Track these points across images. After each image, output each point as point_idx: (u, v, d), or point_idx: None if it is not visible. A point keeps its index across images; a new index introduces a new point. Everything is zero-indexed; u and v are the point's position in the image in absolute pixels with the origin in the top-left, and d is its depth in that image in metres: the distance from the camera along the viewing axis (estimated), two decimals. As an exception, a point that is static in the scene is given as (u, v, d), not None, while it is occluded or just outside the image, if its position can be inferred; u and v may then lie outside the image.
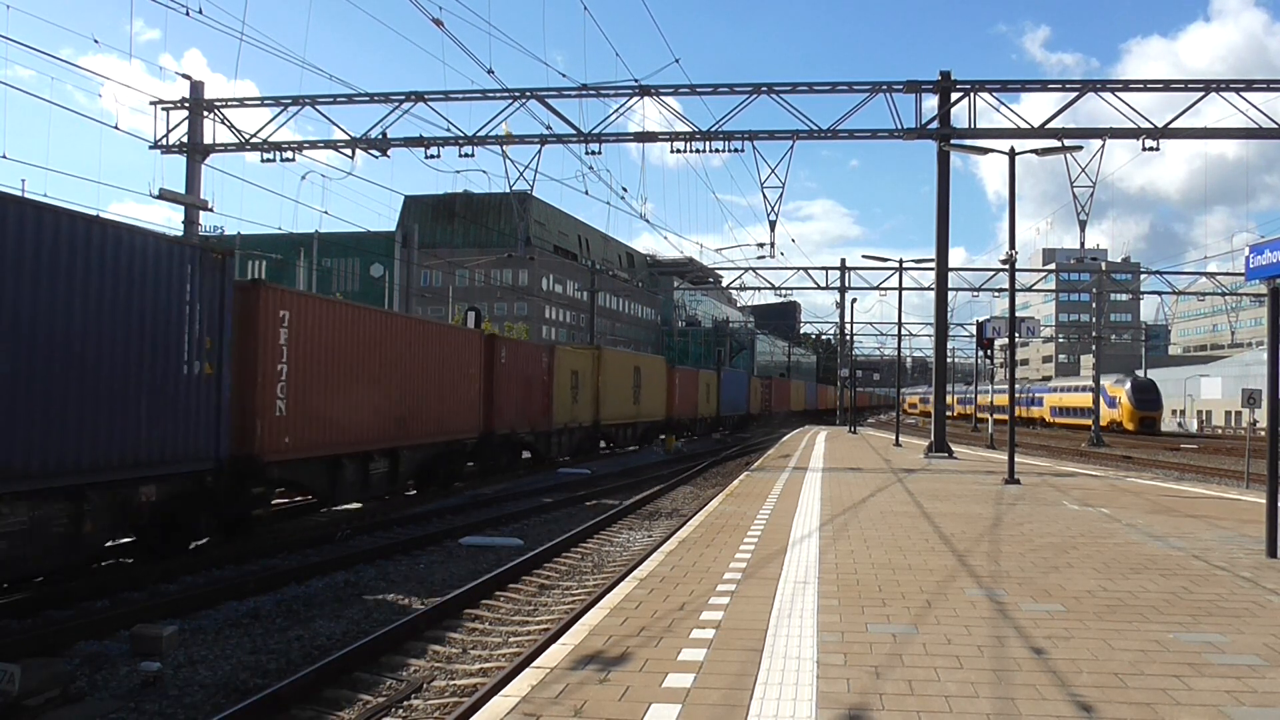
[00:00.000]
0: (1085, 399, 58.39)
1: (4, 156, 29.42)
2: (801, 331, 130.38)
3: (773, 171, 25.34)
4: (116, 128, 26.33)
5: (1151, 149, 23.45)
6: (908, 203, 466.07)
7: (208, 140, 25.26)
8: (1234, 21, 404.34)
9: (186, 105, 25.00)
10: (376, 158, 25.97)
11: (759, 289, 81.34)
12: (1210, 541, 10.61)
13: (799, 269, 52.53)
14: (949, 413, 32.61)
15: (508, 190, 30.31)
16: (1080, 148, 22.28)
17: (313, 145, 26.23)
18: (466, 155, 25.24)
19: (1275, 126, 22.79)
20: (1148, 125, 23.40)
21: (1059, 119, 24.38)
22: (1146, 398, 62.10)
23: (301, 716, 6.88)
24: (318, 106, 25.37)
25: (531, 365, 27.03)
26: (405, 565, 12.82)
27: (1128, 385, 62.80)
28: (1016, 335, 20.27)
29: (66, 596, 10.14)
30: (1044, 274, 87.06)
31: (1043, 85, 25.24)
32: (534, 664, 5.57)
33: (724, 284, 71.95)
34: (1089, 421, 51.86)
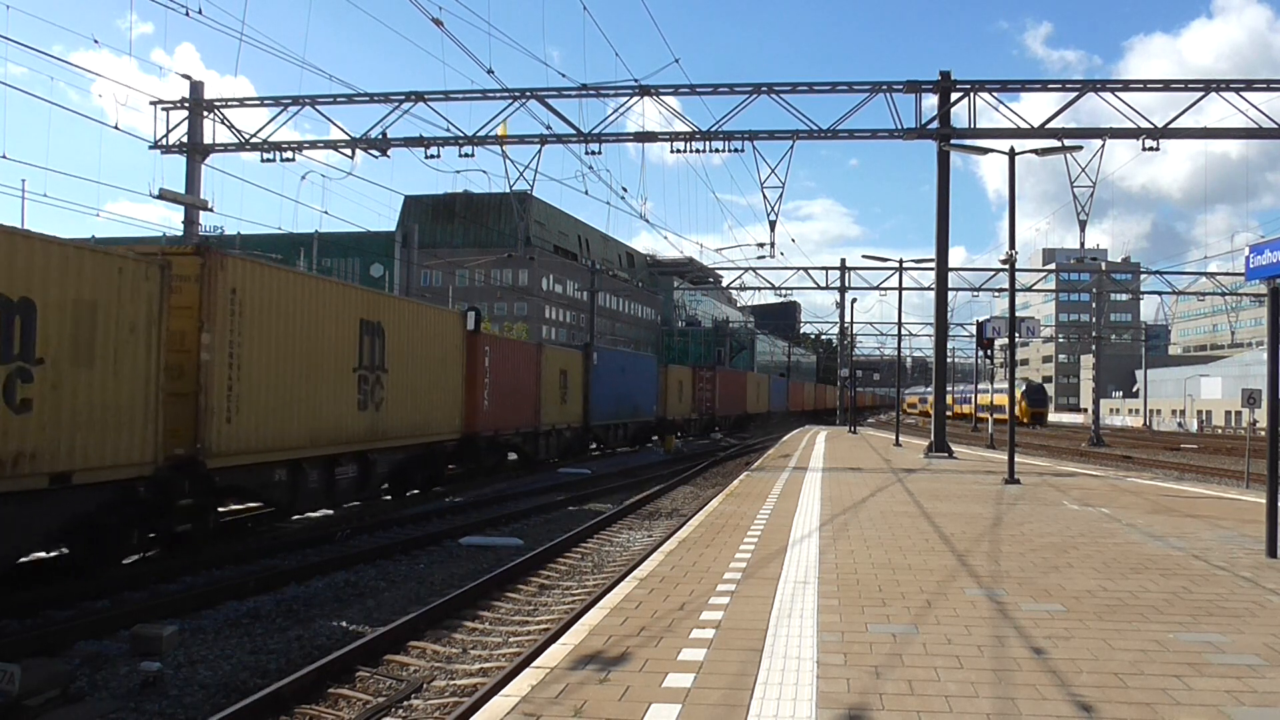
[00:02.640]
0: (999, 399, 70.93)
1: (4, 157, 29.41)
2: (801, 331, 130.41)
3: (773, 171, 25.37)
4: (116, 127, 26.25)
5: (1151, 149, 23.46)
6: (907, 202, 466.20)
7: (207, 140, 25.28)
8: (1237, 18, 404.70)
9: (186, 105, 25.01)
10: (376, 158, 26.00)
11: (759, 289, 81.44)
12: (1210, 541, 10.61)
13: (799, 269, 52.61)
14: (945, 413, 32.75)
15: (508, 190, 30.35)
16: (1080, 148, 22.29)
17: (313, 145, 26.24)
18: (466, 155, 25.27)
19: (1276, 126, 22.79)
20: (1148, 125, 23.42)
21: (1059, 119, 24.42)
22: (1037, 398, 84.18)
23: (302, 716, 6.88)
24: (317, 106, 25.38)
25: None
26: (405, 565, 12.82)
27: (1023, 388, 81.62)
28: (1016, 335, 20.27)
29: (66, 596, 10.14)
30: (1044, 274, 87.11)
31: (1043, 85, 25.25)
32: (534, 664, 5.57)
33: (724, 284, 72.04)
34: (1003, 416, 61.04)
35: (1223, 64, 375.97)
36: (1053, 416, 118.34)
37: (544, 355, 28.91)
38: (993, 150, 20.47)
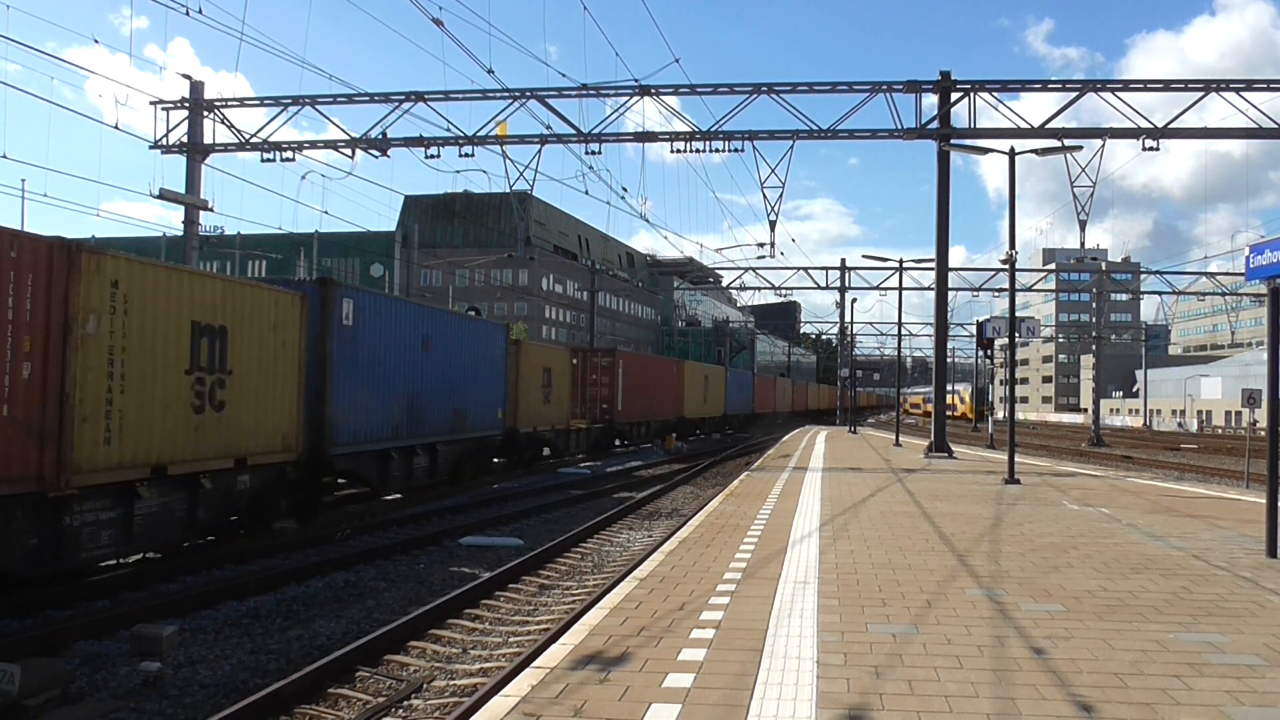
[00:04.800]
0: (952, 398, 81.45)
1: (4, 156, 29.41)
2: (801, 331, 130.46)
3: (773, 171, 25.37)
4: (116, 127, 26.26)
5: (1152, 149, 23.47)
6: (907, 202, 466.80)
7: (207, 140, 25.27)
8: (1239, 16, 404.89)
9: (186, 105, 25.01)
10: (376, 158, 25.99)
11: (759, 289, 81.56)
12: (1210, 541, 10.61)
13: (799, 269, 52.63)
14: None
15: (508, 190, 30.32)
16: (1080, 148, 22.29)
17: (313, 145, 26.23)
18: (466, 155, 25.25)
19: (1276, 126, 22.79)
20: (1148, 125, 23.41)
21: (1059, 118, 24.39)
22: (981, 398, 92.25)
23: (302, 716, 6.88)
24: (317, 106, 25.37)
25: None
26: (405, 565, 12.82)
27: (969, 390, 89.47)
28: (1016, 335, 20.27)
29: (66, 596, 10.14)
30: (1044, 274, 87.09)
31: (1043, 85, 25.22)
32: (534, 664, 5.57)
33: (724, 284, 72.08)
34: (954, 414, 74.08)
35: (1226, 61, 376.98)
36: (1051, 417, 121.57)
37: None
38: (993, 150, 20.48)
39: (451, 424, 20.08)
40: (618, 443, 37.72)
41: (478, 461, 22.75)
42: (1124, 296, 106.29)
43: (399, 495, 19.16)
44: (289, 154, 25.69)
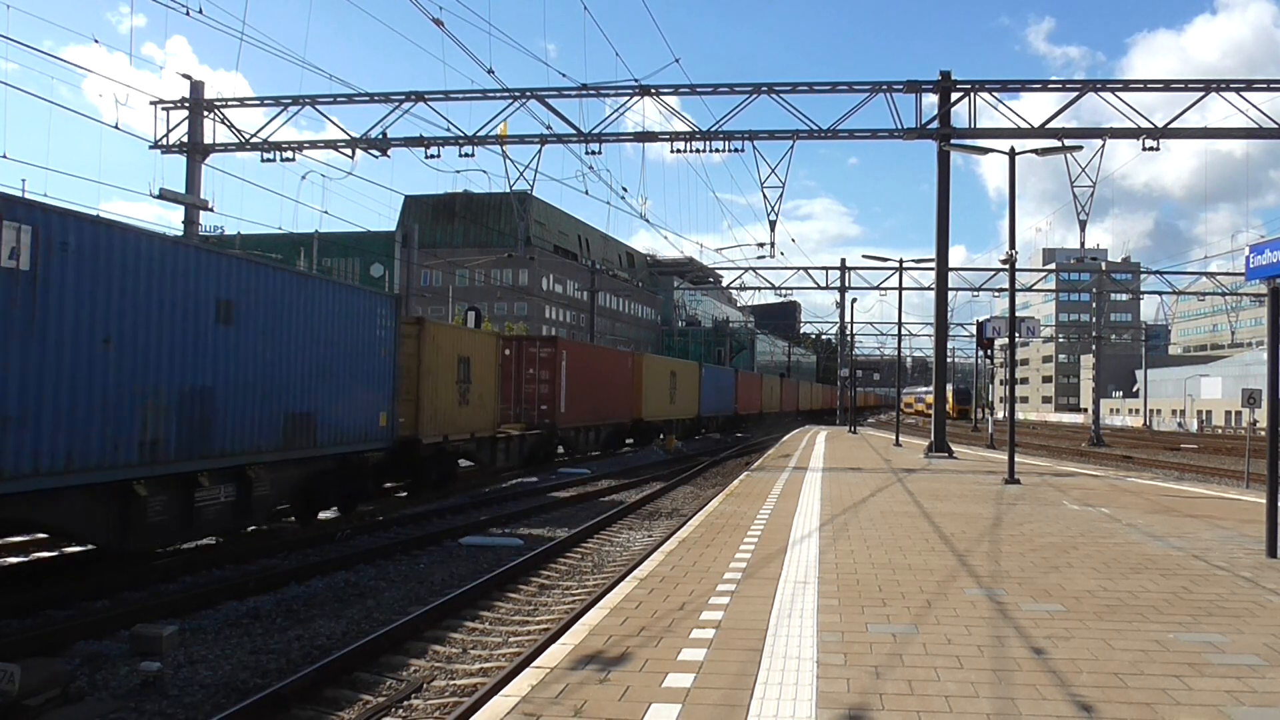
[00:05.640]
0: (928, 397, 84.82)
1: (4, 156, 29.40)
2: (801, 331, 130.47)
3: (773, 171, 25.38)
4: (116, 127, 26.26)
5: (1152, 149, 23.48)
6: (907, 201, 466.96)
7: (207, 140, 25.28)
8: (1241, 14, 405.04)
9: (186, 105, 25.01)
10: (376, 157, 26.01)
11: (759, 289, 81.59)
12: (1210, 541, 10.61)
13: (799, 269, 52.67)
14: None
15: (508, 190, 30.30)
16: (1080, 148, 22.31)
17: (313, 145, 26.25)
18: (466, 155, 25.29)
19: (1276, 126, 22.80)
20: (1148, 125, 23.43)
21: (1059, 118, 24.42)
22: (963, 396, 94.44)
23: (302, 716, 6.88)
24: (318, 106, 25.39)
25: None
26: (405, 565, 12.82)
27: (951, 389, 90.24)
28: (1016, 335, 20.27)
29: (66, 596, 10.14)
30: (1044, 274, 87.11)
31: (1043, 85, 25.23)
32: (534, 664, 5.56)
33: (724, 284, 72.07)
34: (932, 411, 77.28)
35: (1227, 60, 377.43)
36: (1051, 417, 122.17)
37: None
38: (993, 150, 20.48)
39: (283, 437, 13.60)
40: (560, 451, 31.47)
41: (346, 488, 16.40)
42: (1124, 296, 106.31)
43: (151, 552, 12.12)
44: (289, 154, 25.72)
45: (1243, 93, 23.13)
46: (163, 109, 25.10)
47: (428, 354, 19.83)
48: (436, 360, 20.31)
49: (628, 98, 24.80)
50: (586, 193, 76.88)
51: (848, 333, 59.64)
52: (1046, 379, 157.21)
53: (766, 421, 68.26)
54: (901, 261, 40.02)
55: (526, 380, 28.82)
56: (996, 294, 69.01)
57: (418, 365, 19.29)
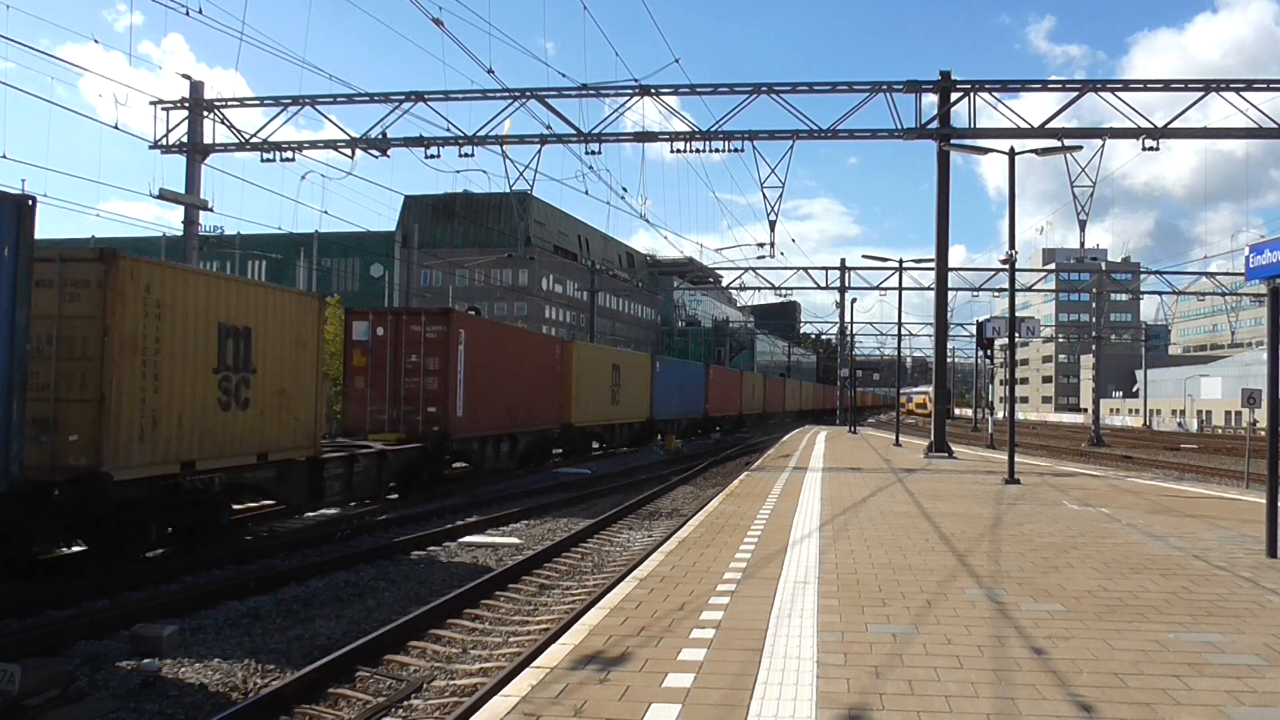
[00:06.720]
0: (920, 398, 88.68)
1: (3, 156, 29.40)
2: (801, 331, 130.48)
3: (773, 171, 25.38)
4: (116, 127, 26.26)
5: (1152, 149, 23.47)
6: (907, 201, 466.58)
7: (207, 140, 25.28)
8: (1242, 13, 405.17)
9: (186, 105, 25.01)
10: (376, 157, 26.00)
11: (759, 289, 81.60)
12: (1210, 541, 10.61)
13: (799, 269, 52.69)
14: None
15: (508, 190, 30.31)
16: (1080, 147, 22.34)
17: (312, 145, 26.25)
18: (466, 155, 25.28)
19: (1276, 126, 22.80)
20: (1148, 125, 23.43)
21: (1059, 118, 24.42)
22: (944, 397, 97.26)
23: (302, 716, 6.88)
24: (317, 106, 25.39)
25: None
26: (405, 565, 12.82)
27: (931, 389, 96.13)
28: (1016, 335, 20.28)
29: (66, 596, 10.14)
30: (1044, 274, 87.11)
31: (1043, 85, 25.24)
32: (534, 664, 5.57)
33: (724, 284, 72.06)
34: (927, 411, 74.43)
35: (1228, 59, 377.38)
36: (1051, 417, 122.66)
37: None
38: (993, 150, 20.50)
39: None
40: (456, 466, 22.92)
41: None
42: (1124, 296, 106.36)
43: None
44: (289, 154, 25.70)
45: (1243, 92, 23.13)
46: (162, 109, 25.09)
47: (134, 318, 11.12)
48: (161, 330, 11.58)
49: (627, 98, 24.81)
50: (586, 193, 77.06)
51: (847, 333, 59.64)
52: (1046, 379, 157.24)
53: (749, 423, 66.24)
54: (901, 261, 40.09)
55: (408, 370, 20.84)
56: (996, 294, 69.04)
57: (104, 336, 10.72)
